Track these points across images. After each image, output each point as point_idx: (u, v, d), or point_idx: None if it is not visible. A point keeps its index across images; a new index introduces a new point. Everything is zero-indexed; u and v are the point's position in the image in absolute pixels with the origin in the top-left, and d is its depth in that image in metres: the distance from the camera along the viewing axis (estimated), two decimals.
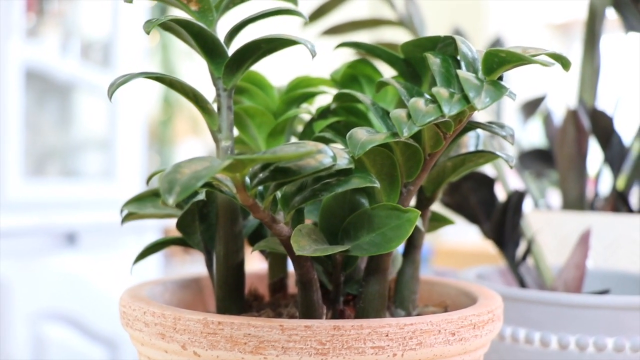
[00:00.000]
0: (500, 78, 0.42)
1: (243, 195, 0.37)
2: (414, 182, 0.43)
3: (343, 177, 0.39)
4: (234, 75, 0.44)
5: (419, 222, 0.47)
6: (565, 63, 0.41)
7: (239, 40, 0.45)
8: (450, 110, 0.38)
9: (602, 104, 0.84)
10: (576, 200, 0.78)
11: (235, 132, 0.51)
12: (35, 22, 2.01)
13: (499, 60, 0.40)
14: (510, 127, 0.46)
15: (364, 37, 0.84)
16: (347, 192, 0.44)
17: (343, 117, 0.50)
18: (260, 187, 0.40)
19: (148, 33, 0.41)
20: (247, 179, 0.38)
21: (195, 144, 4.09)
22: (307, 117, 0.54)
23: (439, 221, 0.53)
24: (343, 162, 0.38)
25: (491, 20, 3.46)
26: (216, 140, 0.44)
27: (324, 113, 0.50)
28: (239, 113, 0.50)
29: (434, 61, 0.43)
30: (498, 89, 0.39)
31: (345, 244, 0.42)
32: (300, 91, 0.51)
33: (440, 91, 0.39)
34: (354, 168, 0.40)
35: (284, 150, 0.35)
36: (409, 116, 0.39)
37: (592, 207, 0.82)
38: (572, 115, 0.76)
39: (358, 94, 0.46)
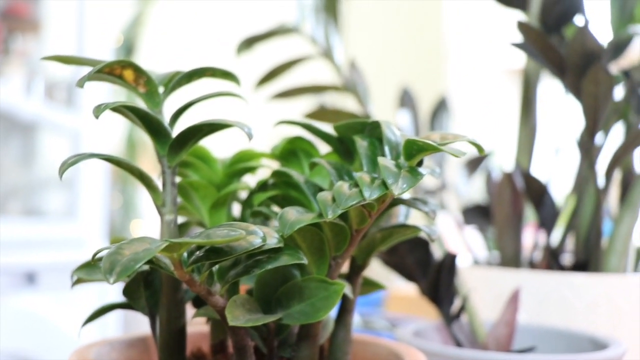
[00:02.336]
0: (421, 162, 0.46)
1: (180, 272, 0.41)
2: (342, 255, 0.47)
3: (273, 255, 0.43)
4: (178, 154, 0.48)
5: (348, 290, 0.51)
6: (480, 149, 0.45)
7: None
8: (370, 195, 0.42)
9: (537, 165, 0.88)
10: (512, 258, 0.83)
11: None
12: None
13: (417, 148, 0.44)
14: (433, 203, 0.50)
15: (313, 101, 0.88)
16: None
17: (282, 189, 0.54)
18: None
19: (97, 117, 0.45)
20: (185, 255, 0.42)
21: (158, 183, 4.09)
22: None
23: (371, 286, 0.57)
24: (272, 241, 0.42)
25: (450, 66, 3.53)
26: (160, 214, 0.48)
27: (263, 186, 0.53)
28: (184, 186, 0.53)
29: (361, 144, 0.47)
30: (414, 175, 0.42)
31: (278, 313, 0.46)
32: (241, 165, 0.55)
33: (363, 177, 0.43)
34: (283, 246, 0.43)
35: (216, 233, 0.39)
36: (334, 199, 0.43)
37: (530, 264, 0.87)
38: (508, 178, 0.80)
39: (292, 173, 0.50)
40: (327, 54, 0.80)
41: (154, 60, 3.06)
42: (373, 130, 0.49)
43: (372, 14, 4.03)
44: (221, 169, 0.55)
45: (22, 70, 2.08)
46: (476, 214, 0.93)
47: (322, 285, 0.45)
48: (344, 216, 0.46)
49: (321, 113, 0.76)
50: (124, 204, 3.46)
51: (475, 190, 1.01)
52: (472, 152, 1.02)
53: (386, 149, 0.46)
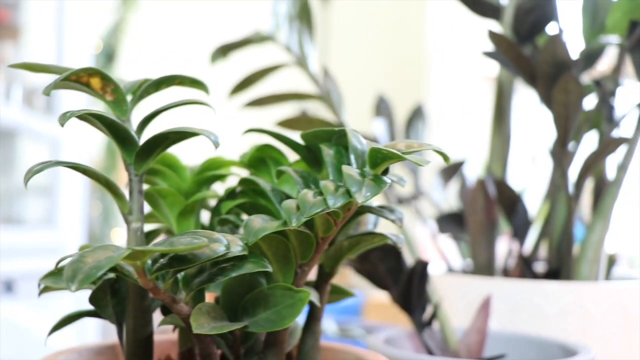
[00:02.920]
0: (386, 170, 0.46)
1: (143, 280, 0.41)
2: (308, 263, 0.47)
3: (238, 262, 0.43)
4: (145, 162, 0.48)
5: (315, 298, 0.51)
6: (445, 158, 0.45)
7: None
8: (334, 203, 0.42)
9: (512, 173, 0.89)
10: (485, 266, 0.83)
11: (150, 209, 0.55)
12: None
13: (381, 156, 0.44)
14: (400, 211, 0.50)
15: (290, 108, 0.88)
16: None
17: (251, 197, 0.54)
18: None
19: (63, 125, 0.45)
20: (150, 263, 0.42)
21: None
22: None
23: (340, 293, 0.57)
24: (237, 249, 0.42)
25: (431, 74, 3.54)
26: (127, 222, 0.48)
27: (231, 194, 0.53)
28: (152, 193, 0.53)
29: (327, 153, 0.47)
30: (378, 184, 0.43)
31: (244, 321, 0.46)
32: (210, 173, 0.55)
33: (327, 185, 0.43)
34: (248, 254, 0.43)
35: (179, 241, 0.39)
36: (299, 207, 0.43)
37: (504, 271, 0.87)
38: (481, 185, 0.81)
39: (259, 181, 0.50)
40: (301, 62, 0.81)
41: (136, 66, 3.06)
42: (340, 139, 0.49)
43: (354, 23, 4.04)
44: (190, 176, 0.55)
45: (0, 77, 2.07)
46: (450, 222, 0.93)
47: (287, 293, 0.45)
48: (310, 224, 0.46)
49: (294, 121, 0.76)
50: (104, 212, 3.45)
51: (451, 198, 1.01)
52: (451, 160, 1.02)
53: (352, 157, 0.46)
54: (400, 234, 0.58)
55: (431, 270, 0.85)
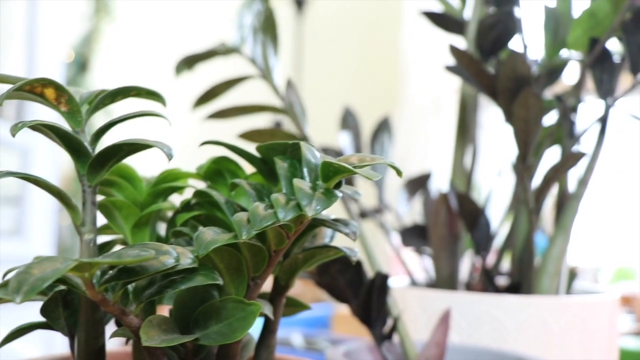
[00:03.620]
0: (339, 184, 0.46)
1: (92, 292, 0.41)
2: (261, 276, 0.47)
3: (188, 275, 0.43)
4: (98, 173, 0.48)
5: (269, 311, 0.51)
6: (398, 172, 0.46)
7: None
8: (284, 216, 0.42)
9: (476, 187, 0.89)
10: (448, 279, 0.83)
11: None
12: None
13: (333, 170, 0.44)
14: (354, 224, 0.50)
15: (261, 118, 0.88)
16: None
17: (207, 209, 0.54)
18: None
19: (14, 136, 0.44)
20: (99, 274, 0.42)
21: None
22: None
23: (296, 306, 0.57)
24: (186, 261, 0.42)
25: (407, 84, 3.56)
26: (80, 233, 0.47)
27: (187, 206, 0.53)
28: (107, 205, 0.53)
29: (281, 166, 0.47)
30: (329, 197, 0.43)
31: (195, 333, 0.46)
32: (166, 185, 0.55)
33: (278, 198, 0.43)
34: (198, 266, 0.43)
35: (127, 253, 0.39)
36: (249, 220, 0.43)
37: (467, 285, 0.88)
38: (443, 199, 0.81)
39: (213, 193, 0.50)
40: (265, 74, 0.81)
41: (110, 76, 3.04)
42: (294, 152, 0.49)
43: (328, 33, 4.05)
44: (146, 188, 0.55)
45: None
46: (414, 235, 0.93)
47: (239, 305, 0.45)
48: (262, 237, 0.46)
49: (257, 133, 0.76)
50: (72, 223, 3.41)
51: (416, 212, 1.02)
52: (416, 172, 1.03)
53: (305, 170, 0.46)
54: (356, 247, 0.58)
55: (392, 283, 0.85)
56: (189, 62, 0.84)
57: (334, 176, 0.44)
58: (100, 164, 0.47)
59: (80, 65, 2.56)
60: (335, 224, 0.49)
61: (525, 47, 0.94)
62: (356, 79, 3.94)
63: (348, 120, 0.99)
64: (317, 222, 0.49)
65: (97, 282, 0.41)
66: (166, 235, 0.56)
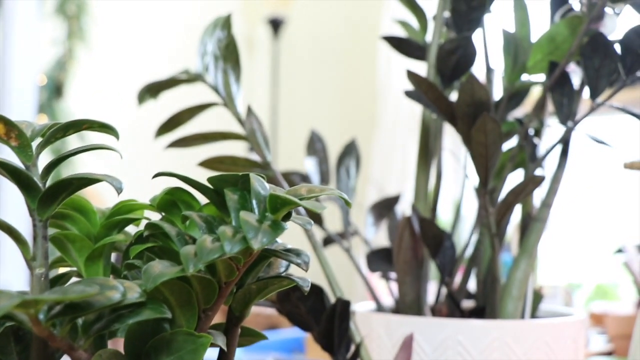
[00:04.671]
0: (288, 214, 0.47)
1: (38, 328, 0.41)
2: (212, 308, 0.47)
3: (136, 309, 0.43)
4: (49, 207, 0.48)
5: (222, 342, 0.51)
6: (346, 202, 0.46)
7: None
8: (231, 249, 0.42)
9: (438, 211, 0.90)
10: (413, 304, 0.83)
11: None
12: None
13: (280, 202, 0.44)
14: (306, 254, 0.51)
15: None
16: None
17: (162, 241, 0.54)
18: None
19: None
20: (46, 309, 0.42)
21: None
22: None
23: (252, 336, 0.57)
24: (134, 296, 0.42)
25: (383, 105, 3.57)
26: (30, 268, 0.47)
27: (140, 238, 0.53)
28: (60, 238, 0.53)
29: (230, 197, 0.48)
30: (275, 230, 0.43)
31: None
32: (120, 217, 0.55)
33: (226, 231, 0.43)
34: (148, 299, 0.43)
35: (72, 289, 0.39)
36: (197, 253, 0.43)
37: (432, 309, 0.88)
38: (407, 223, 0.82)
39: (164, 225, 0.50)
40: (227, 102, 0.81)
41: (85, 100, 3.03)
42: (245, 184, 0.49)
43: (305, 56, 4.06)
44: (100, 220, 0.55)
45: None
46: (381, 259, 0.93)
47: (189, 338, 0.45)
48: (212, 269, 0.46)
49: (217, 161, 0.76)
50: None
51: (383, 236, 1.02)
52: (393, 193, 1.03)
53: (254, 202, 0.46)
54: (319, 274, 0.58)
55: (358, 308, 0.85)
56: (151, 90, 0.84)
57: (281, 208, 0.45)
58: (50, 199, 0.47)
59: (54, 89, 2.55)
60: (286, 255, 0.49)
61: (489, 71, 0.95)
62: (333, 99, 3.96)
63: (315, 145, 0.99)
64: (268, 253, 0.49)
65: (44, 317, 0.41)
66: (121, 267, 0.56)
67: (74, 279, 0.57)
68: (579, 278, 2.99)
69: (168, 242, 0.54)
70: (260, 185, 0.47)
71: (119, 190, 0.46)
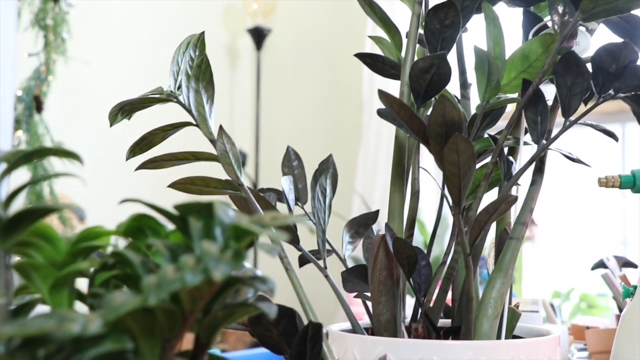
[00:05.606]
0: (252, 243, 0.46)
1: None
2: (176, 336, 0.47)
3: (97, 340, 0.43)
4: (11, 237, 0.47)
5: None
6: (311, 230, 0.46)
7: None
8: (192, 280, 0.42)
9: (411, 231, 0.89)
10: (388, 324, 0.83)
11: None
12: None
13: (243, 231, 0.44)
14: (272, 281, 0.50)
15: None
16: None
17: (130, 267, 0.53)
18: None
19: None
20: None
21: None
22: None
23: None
24: (94, 328, 0.41)
25: (373, 115, 3.56)
26: None
27: (105, 266, 0.53)
28: (24, 266, 0.52)
29: (195, 226, 0.47)
30: (237, 260, 0.43)
31: None
32: (86, 244, 0.54)
33: (188, 261, 0.43)
34: (110, 329, 0.43)
35: (30, 324, 0.38)
36: (159, 283, 0.42)
37: (407, 329, 0.87)
38: (382, 242, 0.81)
39: (128, 253, 0.49)
40: (199, 122, 0.81)
41: (64, 114, 3.01)
42: (210, 211, 0.49)
43: (289, 69, 4.06)
44: (65, 247, 0.55)
45: None
46: (357, 278, 0.92)
47: None
48: (175, 298, 0.46)
49: (189, 182, 0.76)
50: None
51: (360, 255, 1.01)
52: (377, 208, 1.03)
53: (218, 231, 0.46)
54: (273, 304, 0.58)
55: (333, 328, 0.85)
56: (123, 109, 0.83)
57: (244, 237, 0.44)
58: (12, 228, 0.47)
59: (31, 103, 2.53)
60: (252, 282, 0.49)
61: (465, 88, 0.95)
62: (317, 110, 3.95)
63: (291, 162, 0.99)
64: (234, 281, 0.48)
65: (3, 349, 0.41)
66: (87, 294, 0.55)
67: (39, 307, 0.56)
68: (566, 289, 2.99)
69: (135, 268, 0.53)
70: (224, 213, 0.47)
71: (82, 218, 0.46)
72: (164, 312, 0.46)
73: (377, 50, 0.95)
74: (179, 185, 0.76)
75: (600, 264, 1.49)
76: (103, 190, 2.79)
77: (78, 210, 0.46)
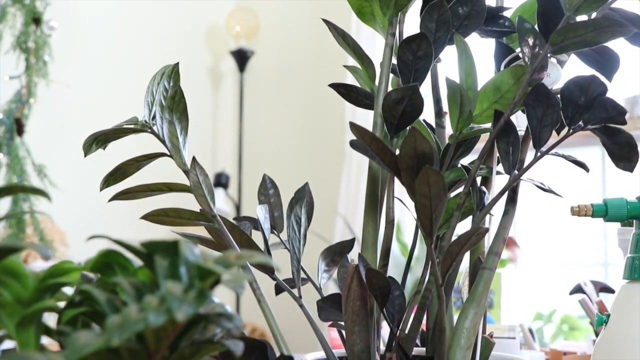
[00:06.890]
0: (217, 282, 0.46)
1: None
2: None
3: None
4: None
5: None
6: (273, 269, 0.46)
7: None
8: (155, 320, 0.42)
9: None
10: (362, 354, 0.83)
11: None
12: None
13: (207, 271, 0.44)
14: (239, 318, 0.50)
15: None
16: None
17: (95, 304, 0.53)
18: None
19: None
20: None
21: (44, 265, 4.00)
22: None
23: None
24: None
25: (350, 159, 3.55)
26: None
27: (72, 303, 0.53)
28: None
29: (160, 264, 0.47)
30: (201, 300, 0.43)
31: None
32: (53, 280, 0.54)
33: (151, 301, 0.43)
34: None
35: None
36: (122, 324, 0.43)
37: (383, 358, 0.87)
38: (355, 272, 0.81)
39: (94, 291, 0.49)
40: (173, 153, 0.81)
41: (44, 136, 3.00)
42: (176, 249, 0.49)
43: (272, 90, 4.07)
44: (33, 284, 0.55)
45: None
46: (332, 307, 0.93)
47: None
48: (141, 336, 0.46)
49: (162, 213, 0.76)
50: None
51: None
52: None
53: (183, 270, 0.46)
54: (239, 340, 0.58)
55: (308, 358, 0.85)
56: (98, 140, 0.84)
57: (208, 277, 0.45)
58: None
59: (12, 126, 2.52)
60: (218, 320, 0.49)
61: (440, 117, 0.95)
62: (301, 132, 3.95)
63: (267, 191, 0.99)
64: (199, 318, 0.49)
65: None
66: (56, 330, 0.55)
67: (5, 343, 0.56)
68: (548, 310, 3.00)
69: (101, 306, 0.53)
70: (189, 252, 0.47)
71: (46, 257, 0.46)
72: (129, 352, 0.46)
73: None
74: (153, 217, 0.76)
75: (578, 289, 1.49)
76: (89, 209, 2.78)
77: (42, 249, 0.46)
